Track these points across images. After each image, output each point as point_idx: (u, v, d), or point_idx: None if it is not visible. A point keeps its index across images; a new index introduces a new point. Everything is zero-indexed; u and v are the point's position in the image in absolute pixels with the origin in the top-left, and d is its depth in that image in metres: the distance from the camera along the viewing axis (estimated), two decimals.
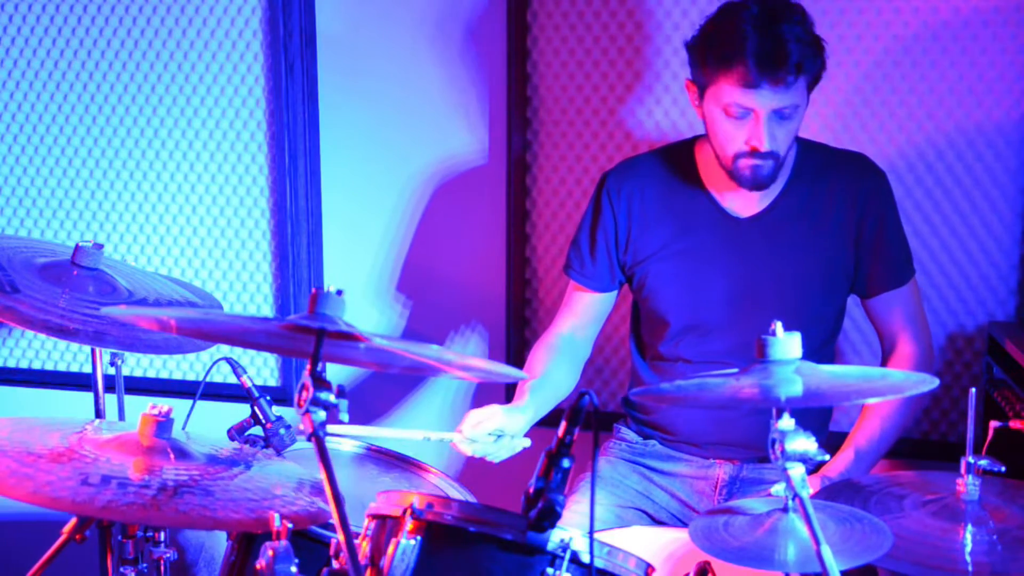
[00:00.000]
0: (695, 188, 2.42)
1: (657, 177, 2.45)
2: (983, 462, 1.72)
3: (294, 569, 1.51)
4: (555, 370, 2.48)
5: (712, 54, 2.21)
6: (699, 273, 2.41)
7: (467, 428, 2.26)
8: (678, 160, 2.46)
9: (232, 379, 2.17)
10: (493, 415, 2.27)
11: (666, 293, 2.44)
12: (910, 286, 2.44)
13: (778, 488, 1.62)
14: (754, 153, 2.23)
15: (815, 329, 2.35)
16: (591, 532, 1.57)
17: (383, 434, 2.28)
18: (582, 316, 2.54)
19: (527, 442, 2.33)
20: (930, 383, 1.58)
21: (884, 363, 2.46)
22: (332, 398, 1.49)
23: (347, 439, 2.34)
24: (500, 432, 2.27)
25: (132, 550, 1.93)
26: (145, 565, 1.93)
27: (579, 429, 1.57)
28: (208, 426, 2.25)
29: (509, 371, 1.82)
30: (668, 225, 2.43)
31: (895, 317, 2.43)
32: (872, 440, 2.35)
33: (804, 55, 2.17)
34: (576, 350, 2.54)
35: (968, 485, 1.73)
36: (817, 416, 2.50)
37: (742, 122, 2.22)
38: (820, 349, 2.40)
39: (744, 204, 2.39)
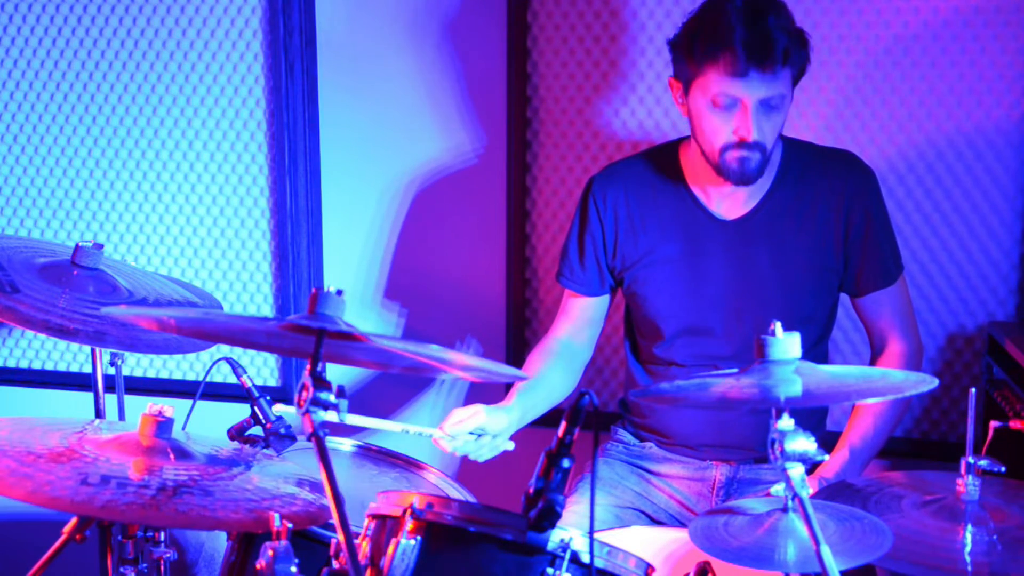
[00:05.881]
0: (681, 191, 2.42)
1: (642, 181, 2.45)
2: (983, 462, 1.72)
3: (294, 569, 1.51)
4: (549, 373, 2.48)
5: (699, 46, 2.21)
6: (687, 276, 2.41)
7: (448, 425, 2.27)
8: (663, 162, 2.45)
9: (232, 379, 2.17)
10: (475, 414, 2.27)
11: (656, 297, 2.44)
12: (899, 284, 2.44)
13: (778, 488, 1.62)
14: (742, 144, 2.23)
15: (806, 329, 2.33)
16: (591, 532, 1.57)
17: (362, 423, 2.25)
18: (578, 321, 2.54)
19: (510, 445, 2.33)
20: (929, 383, 1.59)
21: (873, 362, 2.46)
22: (332, 398, 1.49)
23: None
24: (481, 431, 2.27)
25: (132, 550, 1.93)
26: (145, 565, 1.93)
27: (579, 429, 1.57)
28: (208, 426, 2.25)
29: (509, 371, 1.82)
30: (655, 229, 2.43)
31: (884, 316, 2.43)
32: (866, 439, 2.35)
33: (790, 44, 2.19)
34: (573, 355, 2.54)
35: (968, 485, 1.72)
36: (813, 416, 2.50)
37: (729, 113, 2.22)
38: (812, 349, 2.39)
39: (731, 206, 2.39)
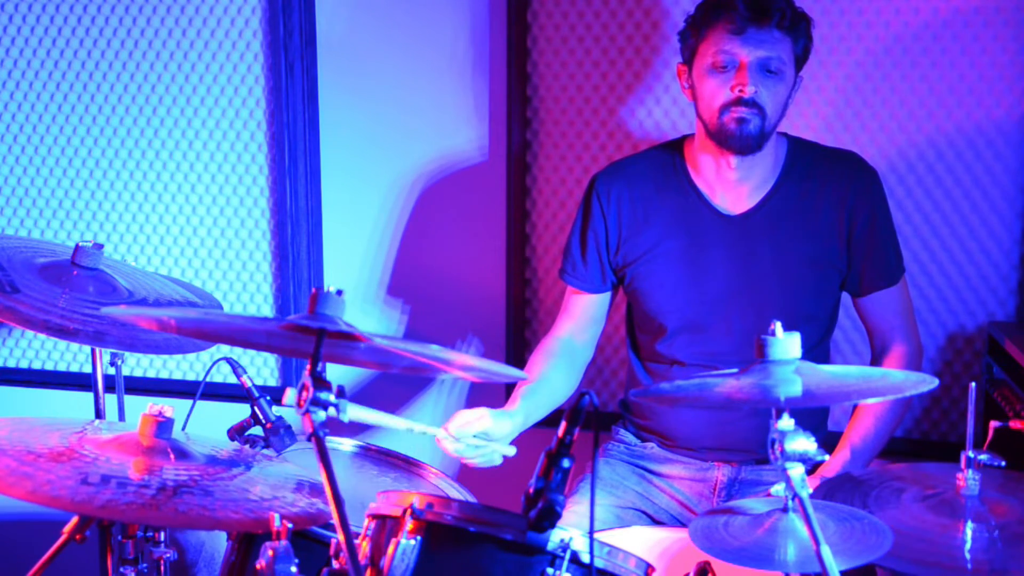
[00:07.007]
0: (685, 186, 2.43)
1: (646, 177, 2.46)
2: (983, 456, 1.72)
3: (294, 569, 1.51)
4: (551, 374, 2.47)
5: (702, 14, 2.31)
6: (690, 272, 2.41)
7: (453, 426, 2.25)
8: (667, 158, 2.46)
9: (232, 379, 2.17)
10: (481, 417, 2.25)
11: (657, 293, 2.44)
12: (901, 285, 2.44)
13: (778, 488, 1.62)
14: (740, 101, 2.25)
15: (808, 328, 2.34)
16: (591, 532, 1.57)
17: (366, 417, 2.24)
18: (580, 319, 2.54)
19: (511, 451, 2.31)
20: (930, 383, 1.58)
21: (874, 362, 2.47)
22: (332, 398, 1.49)
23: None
24: (485, 435, 2.26)
25: (132, 550, 1.93)
26: (145, 565, 1.93)
27: (579, 429, 1.57)
28: (208, 426, 2.25)
29: (509, 371, 1.82)
30: (658, 225, 2.43)
31: (887, 316, 2.44)
32: (867, 439, 2.35)
33: (788, 10, 2.27)
34: (575, 353, 2.54)
35: (968, 480, 1.72)
36: (814, 416, 2.50)
37: (728, 75, 2.27)
38: (813, 349, 2.40)
39: (734, 201, 2.39)
